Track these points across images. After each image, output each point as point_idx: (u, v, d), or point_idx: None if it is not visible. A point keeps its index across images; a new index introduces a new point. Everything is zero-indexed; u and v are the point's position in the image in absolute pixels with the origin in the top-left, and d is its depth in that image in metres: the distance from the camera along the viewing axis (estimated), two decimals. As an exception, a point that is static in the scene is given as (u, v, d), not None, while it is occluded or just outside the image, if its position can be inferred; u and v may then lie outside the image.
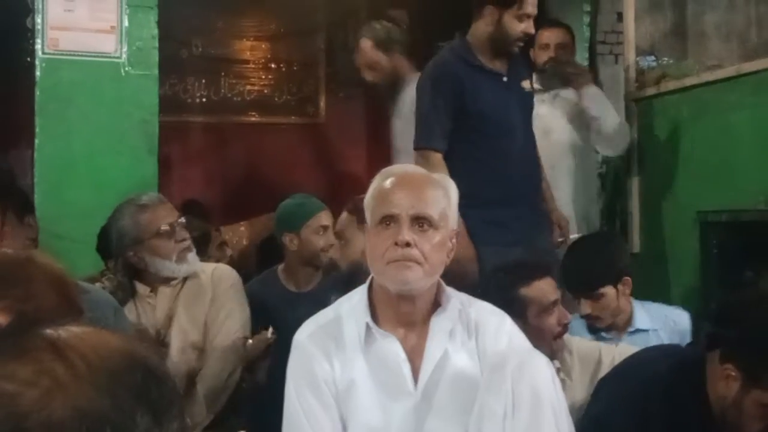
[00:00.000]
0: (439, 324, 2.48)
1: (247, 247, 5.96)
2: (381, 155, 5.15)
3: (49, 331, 1.00)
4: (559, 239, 4.36)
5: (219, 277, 3.59)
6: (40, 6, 4.42)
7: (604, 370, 3.07)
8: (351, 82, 6.38)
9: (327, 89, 7.28)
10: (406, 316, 2.48)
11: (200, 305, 3.51)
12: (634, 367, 2.82)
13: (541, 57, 4.97)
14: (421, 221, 2.40)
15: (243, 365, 3.54)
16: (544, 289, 3.06)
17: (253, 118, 7.15)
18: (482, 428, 2.34)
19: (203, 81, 6.96)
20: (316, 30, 7.32)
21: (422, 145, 4.08)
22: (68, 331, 1.01)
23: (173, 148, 6.26)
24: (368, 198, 2.51)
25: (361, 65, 4.89)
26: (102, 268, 4.10)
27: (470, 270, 3.76)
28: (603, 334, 3.66)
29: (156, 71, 4.60)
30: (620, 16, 5.44)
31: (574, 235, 4.48)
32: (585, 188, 5.00)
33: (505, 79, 4.18)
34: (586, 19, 5.70)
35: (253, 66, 7.18)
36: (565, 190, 4.79)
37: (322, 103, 7.29)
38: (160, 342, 3.43)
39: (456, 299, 2.52)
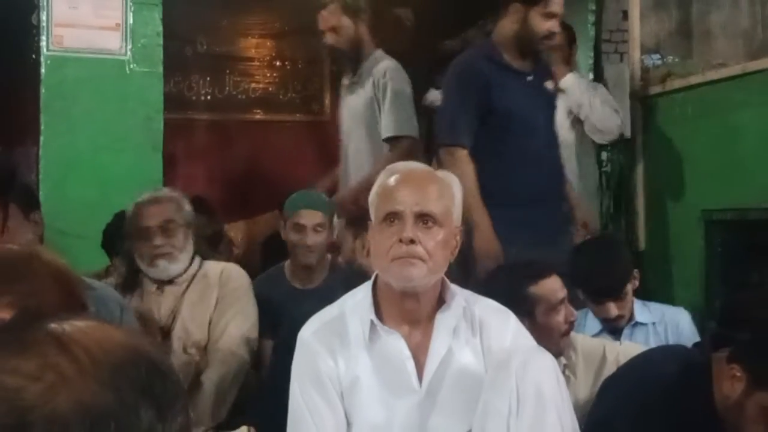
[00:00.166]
0: (443, 321, 2.48)
1: (247, 246, 5.95)
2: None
3: (53, 326, 1.00)
4: (587, 237, 4.36)
5: (227, 277, 3.58)
6: (45, 3, 4.42)
7: (608, 367, 3.07)
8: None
9: (332, 87, 7.25)
10: (410, 313, 2.48)
11: (205, 305, 3.50)
12: (640, 368, 2.82)
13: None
14: (425, 218, 2.40)
15: (249, 366, 3.53)
16: (552, 287, 3.06)
17: (257, 116, 7.14)
18: (486, 425, 2.34)
19: (208, 78, 6.95)
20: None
21: (448, 142, 4.09)
22: (72, 326, 1.00)
23: (178, 146, 6.25)
24: (372, 195, 2.52)
25: (325, 27, 4.83)
26: (107, 264, 4.11)
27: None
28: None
29: (161, 69, 4.60)
30: (625, 15, 5.44)
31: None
32: (585, 187, 5.00)
33: (529, 78, 4.19)
34: (592, 18, 5.69)
35: (257, 63, 7.17)
36: None
37: (327, 101, 7.27)
38: (164, 337, 3.42)
39: (460, 296, 2.52)
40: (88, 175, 4.44)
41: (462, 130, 4.05)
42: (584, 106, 4.89)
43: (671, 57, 5.14)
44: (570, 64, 5.08)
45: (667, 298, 4.35)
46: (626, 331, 3.67)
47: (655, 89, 5.05)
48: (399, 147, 4.61)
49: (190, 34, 6.77)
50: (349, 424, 2.48)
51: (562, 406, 2.35)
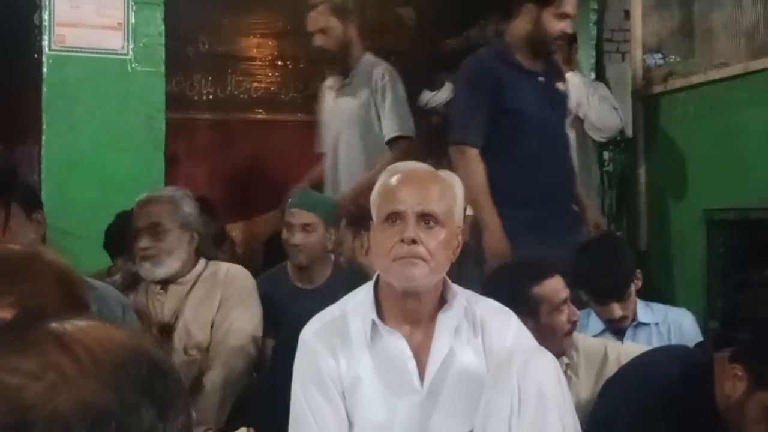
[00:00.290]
0: (445, 321, 2.48)
1: (248, 246, 5.96)
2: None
3: (54, 325, 1.00)
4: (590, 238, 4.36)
5: (232, 277, 3.56)
6: (47, 3, 4.44)
7: (610, 366, 3.07)
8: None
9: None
10: (411, 313, 2.47)
11: (209, 306, 3.48)
12: (641, 368, 2.81)
13: None
14: (427, 218, 2.40)
15: (252, 369, 3.53)
16: (556, 287, 3.06)
17: (259, 116, 7.15)
18: (488, 425, 2.34)
19: (210, 78, 6.96)
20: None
21: (459, 140, 4.11)
22: (73, 325, 1.00)
23: (180, 145, 6.26)
24: (374, 195, 2.51)
25: (314, 29, 4.85)
26: (109, 264, 4.11)
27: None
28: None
29: (162, 68, 4.61)
30: (627, 14, 5.44)
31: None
32: (586, 186, 5.00)
33: (541, 78, 4.19)
34: (594, 17, 5.70)
35: (259, 63, 7.17)
36: None
37: (329, 101, 7.27)
38: (165, 336, 3.42)
39: (462, 296, 2.52)
40: (90, 175, 4.45)
41: (472, 128, 4.06)
42: (583, 104, 4.90)
43: (673, 56, 5.15)
44: (570, 63, 5.08)
45: (669, 298, 4.35)
46: (629, 332, 3.66)
47: (657, 89, 5.05)
48: (399, 147, 4.68)
49: (192, 34, 6.78)
50: (350, 424, 2.48)
51: (563, 405, 2.35)
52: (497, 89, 4.07)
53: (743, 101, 4.39)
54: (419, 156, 4.41)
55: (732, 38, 4.65)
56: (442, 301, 2.50)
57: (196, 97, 6.94)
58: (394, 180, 2.47)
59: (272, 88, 7.18)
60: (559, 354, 2.93)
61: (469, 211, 5.10)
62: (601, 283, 3.59)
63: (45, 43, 4.45)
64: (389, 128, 4.73)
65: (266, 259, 5.22)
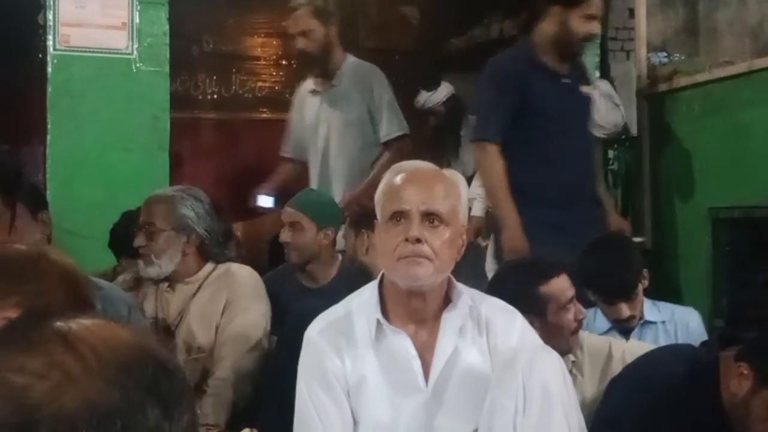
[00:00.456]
0: (449, 320, 2.48)
1: (252, 245, 5.94)
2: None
3: (59, 324, 1.00)
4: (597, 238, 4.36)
5: (239, 280, 3.53)
6: (52, 3, 4.44)
7: (615, 364, 3.08)
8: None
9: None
10: (416, 312, 2.48)
11: (213, 310, 3.46)
12: (648, 367, 2.81)
13: None
14: (431, 217, 2.40)
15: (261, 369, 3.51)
16: (562, 286, 3.06)
17: (264, 115, 7.15)
18: (493, 425, 2.34)
19: (214, 78, 6.97)
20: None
21: (480, 137, 4.15)
22: (78, 324, 1.00)
23: (184, 145, 6.27)
24: (379, 194, 2.51)
25: (295, 31, 4.84)
26: (114, 264, 4.11)
27: None
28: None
29: (167, 68, 4.62)
30: (632, 13, 5.43)
31: (636, 240, 4.50)
32: None
33: (566, 80, 4.21)
34: (598, 16, 5.69)
35: (264, 63, 7.18)
36: None
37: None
38: (169, 335, 3.41)
39: (467, 295, 2.52)
40: (95, 175, 4.46)
41: (494, 126, 4.10)
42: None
43: (678, 55, 5.15)
44: None
45: (674, 297, 4.35)
46: (636, 330, 3.65)
47: (661, 87, 5.05)
48: (399, 146, 4.75)
49: (196, 33, 6.78)
50: (355, 423, 2.48)
51: (568, 404, 2.35)
52: (521, 89, 4.10)
53: (748, 99, 4.39)
54: (418, 156, 4.43)
55: (737, 36, 4.65)
56: (447, 301, 2.51)
57: (200, 97, 6.94)
58: (398, 179, 2.47)
59: (277, 88, 7.18)
60: (565, 352, 2.94)
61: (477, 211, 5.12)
62: (609, 283, 3.59)
63: (50, 42, 4.46)
64: (389, 128, 4.78)
65: (271, 258, 5.22)
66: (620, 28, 5.72)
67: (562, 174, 4.10)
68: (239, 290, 3.50)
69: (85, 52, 4.51)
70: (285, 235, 4.01)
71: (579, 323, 3.11)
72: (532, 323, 2.66)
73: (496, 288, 2.94)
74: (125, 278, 3.68)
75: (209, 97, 6.97)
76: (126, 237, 3.87)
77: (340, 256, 4.11)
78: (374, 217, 2.54)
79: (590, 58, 5.49)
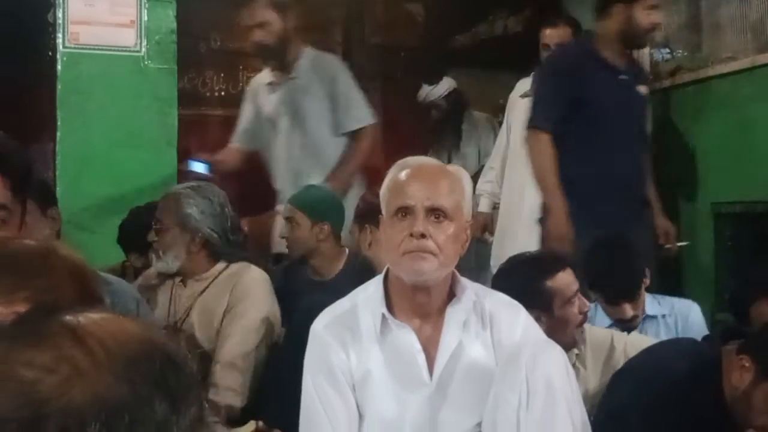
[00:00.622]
0: (454, 315, 2.49)
1: (261, 241, 5.96)
2: (398, 148, 5.18)
3: (68, 318, 1.00)
4: (666, 246, 4.39)
5: (242, 283, 3.48)
6: (62, 1, 4.46)
7: (617, 357, 3.09)
8: (368, 75, 6.40)
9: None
10: (421, 306, 2.49)
11: (215, 309, 3.43)
12: (651, 362, 2.82)
13: (542, 57, 4.98)
14: (436, 212, 2.41)
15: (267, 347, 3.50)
16: (568, 280, 3.07)
17: (270, 111, 7.15)
18: (497, 418, 2.36)
19: (221, 75, 6.97)
20: (333, 24, 7.33)
21: (533, 125, 4.21)
22: (87, 318, 1.01)
23: (192, 141, 6.29)
24: (383, 189, 2.52)
25: (252, 23, 4.76)
26: (123, 259, 4.14)
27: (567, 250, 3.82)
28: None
29: (175, 65, 4.64)
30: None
31: (681, 243, 4.53)
32: None
33: (624, 77, 4.26)
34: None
35: (271, 60, 7.17)
36: None
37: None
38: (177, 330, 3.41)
39: (471, 290, 2.53)
40: (104, 171, 4.48)
41: (547, 115, 4.17)
42: None
43: (681, 51, 5.14)
44: None
45: (677, 291, 4.36)
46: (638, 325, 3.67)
47: (664, 83, 5.05)
48: (367, 134, 4.79)
49: (203, 31, 6.79)
50: (360, 417, 2.49)
51: (572, 398, 2.36)
52: (579, 80, 4.17)
53: (750, 95, 4.39)
54: (420, 149, 4.46)
55: (739, 32, 4.64)
56: (451, 295, 2.52)
57: (208, 94, 6.94)
58: (403, 175, 2.48)
59: (283, 85, 7.17)
60: (571, 346, 2.95)
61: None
62: (613, 285, 3.59)
63: (59, 40, 4.48)
64: (357, 118, 4.76)
65: (277, 254, 5.23)
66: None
67: (611, 169, 4.13)
68: (241, 294, 3.45)
69: (94, 49, 4.53)
70: (282, 230, 4.05)
71: (584, 316, 3.13)
72: (538, 318, 2.68)
73: (501, 283, 2.96)
74: (150, 272, 3.70)
75: (217, 93, 6.97)
76: (134, 232, 3.89)
77: (347, 251, 4.11)
78: (378, 212, 2.56)
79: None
